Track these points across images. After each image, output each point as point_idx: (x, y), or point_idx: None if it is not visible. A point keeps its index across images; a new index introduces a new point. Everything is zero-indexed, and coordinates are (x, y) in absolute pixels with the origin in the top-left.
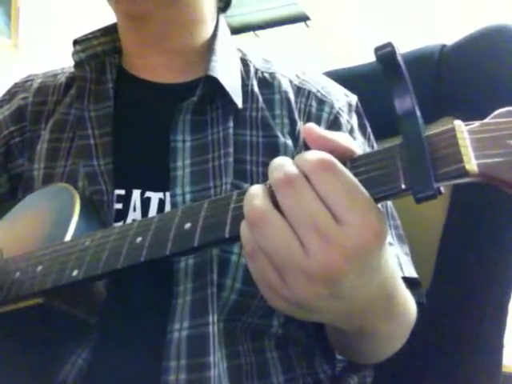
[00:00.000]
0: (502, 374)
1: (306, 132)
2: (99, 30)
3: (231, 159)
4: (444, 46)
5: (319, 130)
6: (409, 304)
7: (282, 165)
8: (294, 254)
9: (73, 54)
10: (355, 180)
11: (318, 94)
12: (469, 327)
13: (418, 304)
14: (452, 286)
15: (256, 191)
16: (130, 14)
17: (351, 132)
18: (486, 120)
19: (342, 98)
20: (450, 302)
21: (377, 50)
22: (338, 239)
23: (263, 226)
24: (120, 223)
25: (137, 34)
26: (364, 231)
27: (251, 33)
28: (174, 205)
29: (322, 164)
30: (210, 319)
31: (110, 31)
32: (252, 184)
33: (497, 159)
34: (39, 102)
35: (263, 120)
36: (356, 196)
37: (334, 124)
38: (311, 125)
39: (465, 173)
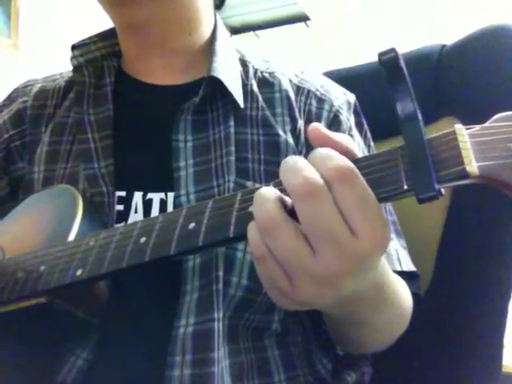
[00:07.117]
0: (502, 374)
1: (311, 130)
2: (97, 36)
3: (233, 158)
4: (444, 46)
5: (324, 130)
6: (401, 295)
7: (301, 169)
8: (305, 260)
9: (71, 59)
10: (370, 190)
11: (318, 93)
12: (469, 327)
13: (415, 295)
14: (452, 286)
15: (268, 194)
16: (127, 22)
17: (350, 130)
18: (486, 124)
19: (341, 96)
20: (449, 301)
21: (380, 55)
22: (352, 250)
23: (276, 234)
24: (121, 225)
25: (136, 38)
26: (374, 242)
27: (251, 33)
28: (177, 205)
29: (345, 174)
30: (216, 315)
31: (108, 36)
32: (254, 182)
33: (497, 161)
34: (39, 105)
35: (264, 118)
36: (369, 208)
37: (334, 122)
38: (317, 124)
39: (466, 174)
